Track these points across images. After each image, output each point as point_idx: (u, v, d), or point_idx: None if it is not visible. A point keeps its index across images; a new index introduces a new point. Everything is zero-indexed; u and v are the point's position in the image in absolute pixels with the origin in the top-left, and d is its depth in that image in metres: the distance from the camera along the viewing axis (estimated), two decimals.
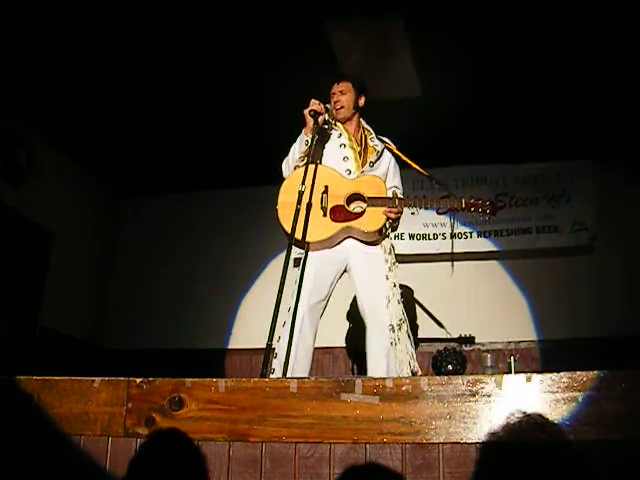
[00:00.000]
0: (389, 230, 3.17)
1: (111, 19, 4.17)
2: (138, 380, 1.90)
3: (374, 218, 3.07)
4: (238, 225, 6.10)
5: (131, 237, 6.50)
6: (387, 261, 3.10)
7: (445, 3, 4.06)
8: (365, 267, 3.12)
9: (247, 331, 5.73)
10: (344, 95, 3.28)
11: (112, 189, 6.49)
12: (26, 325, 5.18)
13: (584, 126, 5.13)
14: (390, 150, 3.34)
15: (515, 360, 4.24)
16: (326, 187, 3.07)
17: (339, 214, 3.07)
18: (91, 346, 6.02)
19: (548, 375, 1.67)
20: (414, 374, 2.93)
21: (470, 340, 5.18)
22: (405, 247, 5.62)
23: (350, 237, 3.13)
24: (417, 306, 5.27)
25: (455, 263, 5.70)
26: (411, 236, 5.72)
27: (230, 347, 5.89)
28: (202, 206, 6.34)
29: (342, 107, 3.26)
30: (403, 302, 3.07)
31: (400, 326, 2.99)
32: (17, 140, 5.22)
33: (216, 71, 4.73)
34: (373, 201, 3.08)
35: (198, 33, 4.36)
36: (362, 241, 3.13)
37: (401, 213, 3.16)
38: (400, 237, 5.67)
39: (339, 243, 3.12)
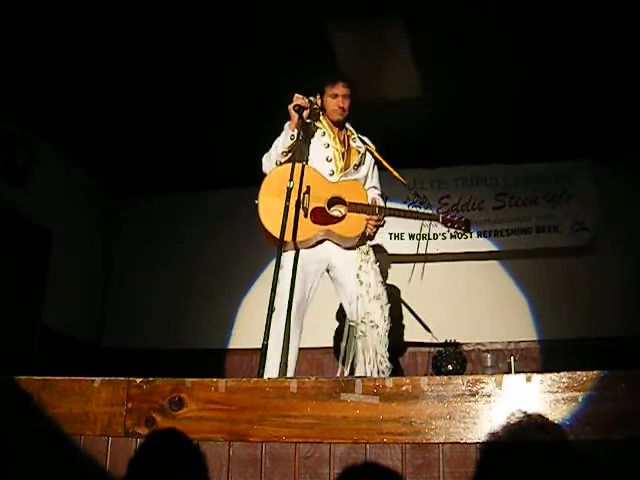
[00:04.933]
0: (369, 237, 3.19)
1: (111, 19, 4.17)
2: (138, 380, 1.90)
3: (354, 224, 3.10)
4: (238, 225, 6.09)
5: (131, 237, 6.49)
6: (361, 260, 3.13)
7: (445, 3, 4.05)
8: (342, 268, 3.17)
9: (247, 331, 5.72)
10: (349, 100, 3.31)
11: (112, 189, 6.48)
12: (26, 325, 5.17)
13: (584, 126, 5.12)
14: (370, 152, 3.36)
15: (515, 360, 4.24)
16: (308, 187, 3.07)
17: (319, 216, 3.09)
18: (91, 346, 6.01)
19: (548, 375, 1.67)
20: (381, 373, 2.96)
21: (454, 345, 5.15)
22: (405, 247, 5.62)
23: (329, 240, 3.15)
24: (416, 306, 5.26)
25: (455, 263, 5.70)
26: (411, 236, 5.72)
27: (230, 347, 5.88)
28: (202, 206, 6.33)
29: (345, 111, 3.30)
30: (384, 304, 3.08)
31: (366, 325, 2.99)
32: (16, 140, 5.21)
33: (216, 71, 4.72)
34: (354, 207, 3.10)
35: (197, 33, 4.36)
36: (340, 245, 3.16)
37: (381, 221, 3.17)
38: (400, 237, 5.67)
39: (319, 243, 3.15)
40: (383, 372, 2.97)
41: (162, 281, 6.18)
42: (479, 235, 5.64)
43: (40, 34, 4.31)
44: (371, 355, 2.97)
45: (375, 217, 3.11)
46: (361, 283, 3.06)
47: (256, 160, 3.50)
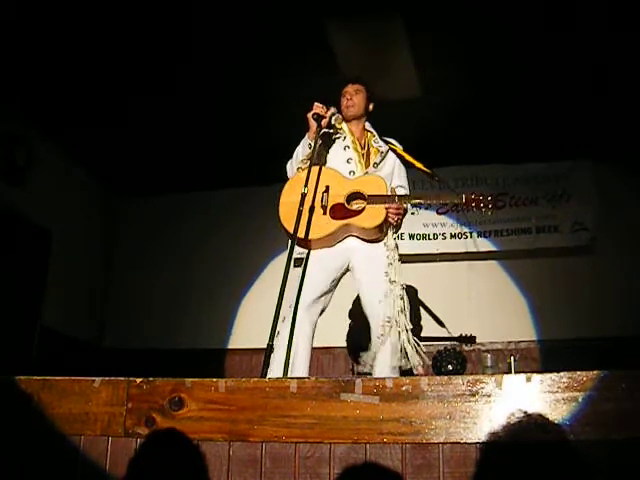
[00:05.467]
0: (393, 228, 3.17)
1: (111, 19, 4.17)
2: (138, 380, 1.90)
3: (373, 215, 3.08)
4: (238, 225, 6.10)
5: (131, 237, 6.49)
6: (388, 257, 3.10)
7: (445, 3, 4.05)
8: (366, 265, 3.12)
9: (247, 331, 5.73)
10: (358, 95, 3.33)
11: (112, 189, 6.49)
12: (26, 325, 5.18)
13: (584, 126, 5.12)
14: (394, 151, 3.36)
15: (515, 360, 4.24)
16: (327, 187, 3.11)
17: (339, 212, 3.09)
18: (91, 346, 6.01)
19: (548, 375, 1.67)
20: (410, 371, 2.93)
21: (471, 339, 5.16)
22: (405, 247, 5.61)
23: (351, 236, 3.14)
24: (417, 306, 5.26)
25: (455, 263, 5.70)
26: (411, 236, 5.71)
27: (230, 347, 5.89)
28: (202, 206, 6.34)
29: (354, 105, 3.31)
30: (405, 300, 3.06)
31: (391, 322, 2.96)
32: (16, 140, 5.22)
33: (216, 71, 4.72)
34: (373, 199, 3.09)
35: (197, 33, 4.36)
36: (364, 240, 3.14)
37: (402, 209, 3.16)
38: (400, 237, 5.59)
39: (341, 241, 3.14)
40: (415, 368, 2.94)
41: (162, 281, 6.18)
42: (479, 235, 5.64)
43: (40, 34, 4.31)
44: (396, 351, 2.93)
45: (395, 205, 3.10)
46: (390, 281, 3.03)
47: (257, 161, 3.50)
